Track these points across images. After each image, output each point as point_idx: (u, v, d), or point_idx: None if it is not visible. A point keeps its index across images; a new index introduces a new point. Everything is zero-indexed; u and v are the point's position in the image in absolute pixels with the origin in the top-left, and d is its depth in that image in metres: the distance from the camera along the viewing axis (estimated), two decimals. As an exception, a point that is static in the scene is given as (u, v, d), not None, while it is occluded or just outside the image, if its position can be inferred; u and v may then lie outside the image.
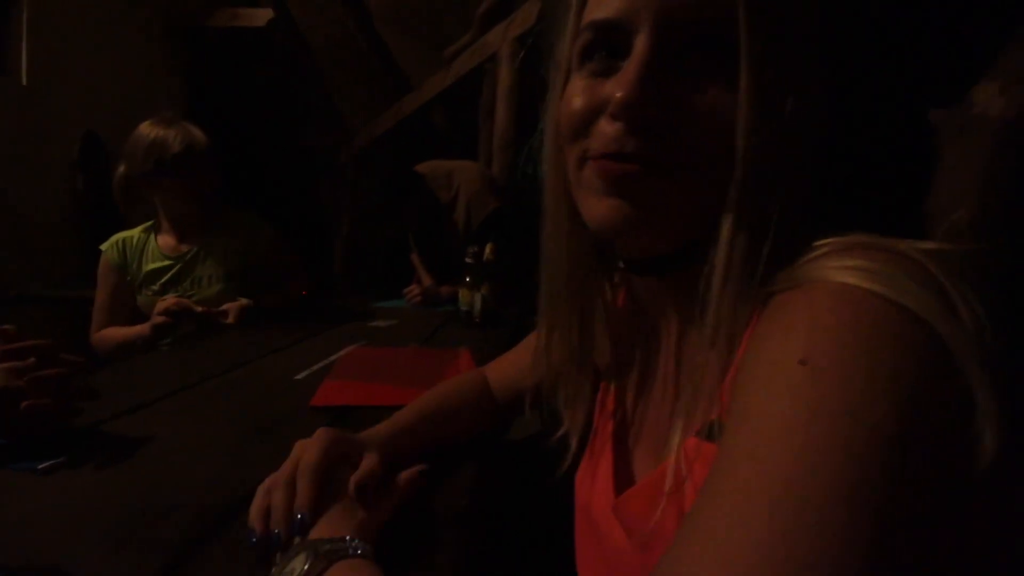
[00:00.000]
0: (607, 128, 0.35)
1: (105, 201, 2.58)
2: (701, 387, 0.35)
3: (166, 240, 1.48)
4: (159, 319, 1.33)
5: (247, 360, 1.08)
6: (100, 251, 1.48)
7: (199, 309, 1.37)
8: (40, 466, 0.57)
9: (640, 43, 0.34)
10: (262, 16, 3.22)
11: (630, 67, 0.34)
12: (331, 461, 0.50)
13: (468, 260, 1.57)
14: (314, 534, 0.44)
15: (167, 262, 1.46)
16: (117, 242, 1.47)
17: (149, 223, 1.50)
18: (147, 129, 1.40)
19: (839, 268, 0.29)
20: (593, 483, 0.49)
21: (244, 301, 1.43)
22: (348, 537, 0.42)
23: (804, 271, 0.31)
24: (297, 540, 0.44)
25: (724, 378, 0.34)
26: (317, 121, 3.67)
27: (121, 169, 1.42)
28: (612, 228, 0.37)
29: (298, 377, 0.97)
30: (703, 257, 0.35)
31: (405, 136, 3.31)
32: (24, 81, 2.31)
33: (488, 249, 1.58)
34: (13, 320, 0.69)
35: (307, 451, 0.50)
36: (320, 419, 0.76)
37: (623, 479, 0.45)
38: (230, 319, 1.40)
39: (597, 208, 0.37)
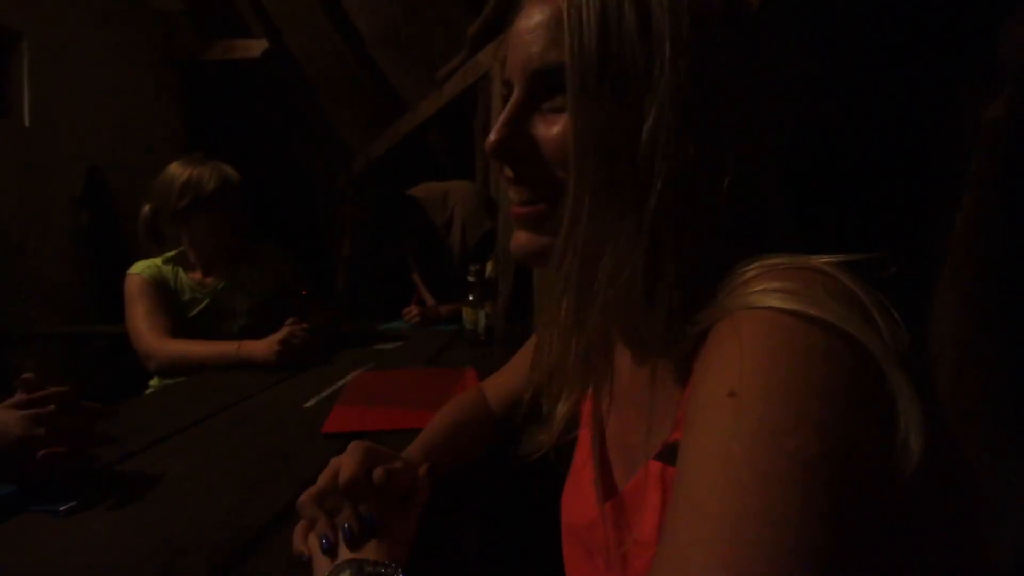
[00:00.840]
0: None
1: (110, 236, 2.62)
2: (649, 415, 0.39)
3: (192, 275, 1.50)
4: (280, 348, 1.29)
5: (255, 391, 1.08)
6: (116, 281, 1.45)
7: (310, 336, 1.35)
8: (61, 508, 0.58)
9: (513, 95, 0.41)
10: (257, 47, 3.27)
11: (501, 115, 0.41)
12: (369, 468, 0.51)
13: (471, 278, 1.59)
14: (343, 555, 0.46)
15: (199, 295, 1.47)
16: (150, 265, 1.46)
17: (170, 254, 1.50)
18: (179, 169, 1.41)
19: (761, 292, 0.30)
20: (577, 496, 0.50)
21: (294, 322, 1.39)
22: (389, 563, 0.44)
23: (731, 299, 0.32)
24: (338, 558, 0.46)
25: (680, 402, 0.36)
26: (315, 146, 3.71)
27: (147, 208, 1.43)
28: (520, 257, 0.43)
29: (307, 405, 0.98)
30: None
31: (402, 157, 3.34)
32: (27, 123, 2.36)
33: (490, 267, 1.60)
34: (20, 358, 0.71)
35: (345, 463, 0.51)
36: (333, 446, 0.76)
37: (607, 488, 0.47)
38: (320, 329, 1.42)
39: (512, 242, 0.43)
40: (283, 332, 1.32)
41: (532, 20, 0.40)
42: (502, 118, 0.41)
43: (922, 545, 0.27)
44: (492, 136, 0.40)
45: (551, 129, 0.39)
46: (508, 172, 0.42)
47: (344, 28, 3.22)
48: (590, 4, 0.36)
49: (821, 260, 0.32)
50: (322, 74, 3.46)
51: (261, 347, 1.31)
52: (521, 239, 0.42)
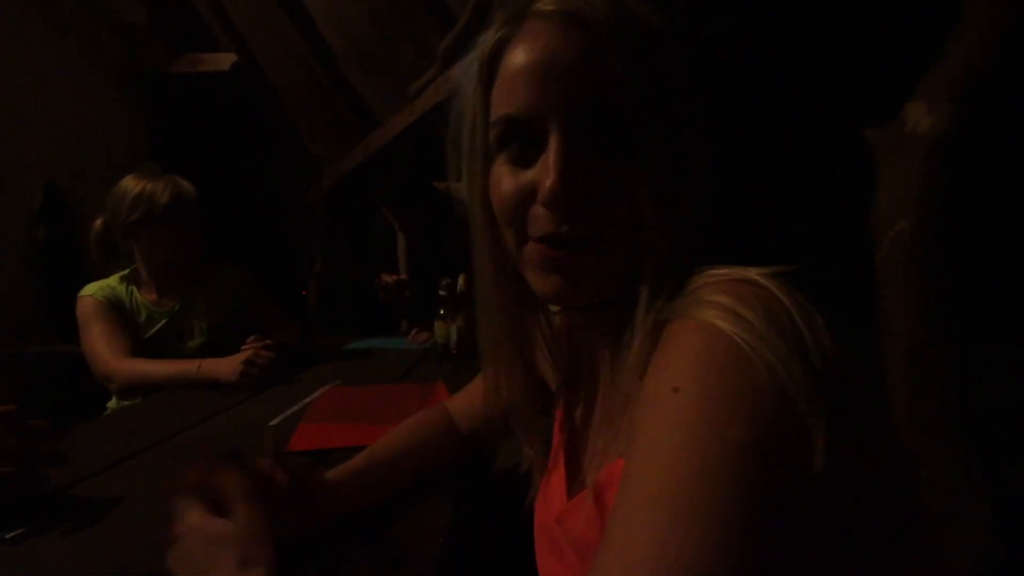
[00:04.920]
0: (541, 214, 0.40)
1: (68, 253, 2.53)
2: (621, 412, 0.41)
3: (147, 294, 1.45)
4: (244, 369, 1.25)
5: (219, 410, 1.06)
6: (75, 299, 1.39)
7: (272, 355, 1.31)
8: (8, 535, 0.55)
9: (554, 138, 0.38)
10: (225, 60, 3.23)
11: (550, 160, 0.38)
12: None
13: (441, 292, 1.58)
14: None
15: (155, 315, 1.43)
16: (103, 287, 1.41)
17: (125, 272, 1.46)
18: (132, 182, 1.37)
19: (708, 304, 0.34)
20: (547, 497, 0.51)
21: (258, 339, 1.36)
22: None
23: (684, 305, 0.35)
24: None
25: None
26: (284, 161, 3.67)
27: (99, 222, 1.39)
28: (555, 300, 0.43)
29: (273, 423, 0.96)
30: (623, 298, 0.40)
31: (373, 171, 3.33)
32: (-19, 135, 2.28)
33: (461, 280, 1.60)
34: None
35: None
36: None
37: (576, 485, 0.48)
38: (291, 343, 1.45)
39: (541, 284, 0.42)
40: (246, 352, 1.29)
41: (557, 52, 0.38)
42: (561, 164, 0.37)
43: (859, 544, 0.29)
44: (556, 185, 0.37)
45: (612, 171, 0.38)
46: (560, 224, 0.39)
47: (313, 42, 3.21)
48: (633, 38, 0.37)
49: (757, 272, 0.35)
50: (291, 88, 3.43)
51: (224, 366, 1.27)
52: (560, 285, 0.40)
